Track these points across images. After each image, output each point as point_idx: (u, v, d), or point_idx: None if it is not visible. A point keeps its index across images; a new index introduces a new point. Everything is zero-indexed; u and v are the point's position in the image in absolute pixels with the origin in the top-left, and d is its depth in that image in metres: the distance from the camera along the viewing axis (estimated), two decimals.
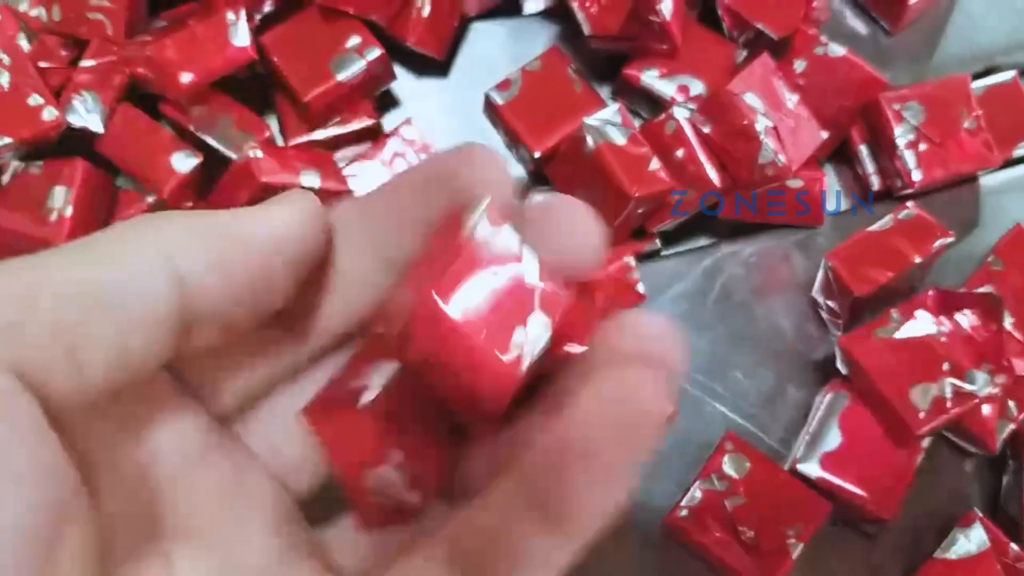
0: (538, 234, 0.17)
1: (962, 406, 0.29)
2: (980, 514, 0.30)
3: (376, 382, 0.18)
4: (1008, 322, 0.32)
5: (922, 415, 0.29)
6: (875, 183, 0.36)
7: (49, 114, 0.33)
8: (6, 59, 0.33)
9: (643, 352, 0.16)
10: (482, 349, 0.15)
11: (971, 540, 0.29)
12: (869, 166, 0.36)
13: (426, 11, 0.35)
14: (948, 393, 0.30)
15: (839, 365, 0.32)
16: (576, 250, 0.18)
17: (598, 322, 0.17)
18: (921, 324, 0.30)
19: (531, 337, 0.16)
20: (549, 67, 0.36)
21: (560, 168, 0.35)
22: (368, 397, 0.18)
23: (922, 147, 0.34)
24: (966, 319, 0.31)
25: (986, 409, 0.31)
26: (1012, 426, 0.31)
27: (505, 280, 0.16)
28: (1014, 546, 0.30)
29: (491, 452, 0.18)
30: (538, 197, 0.18)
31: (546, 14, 0.39)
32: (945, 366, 0.30)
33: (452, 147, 0.18)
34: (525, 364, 0.15)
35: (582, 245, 0.18)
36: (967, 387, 0.30)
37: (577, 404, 0.15)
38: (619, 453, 0.15)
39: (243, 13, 0.34)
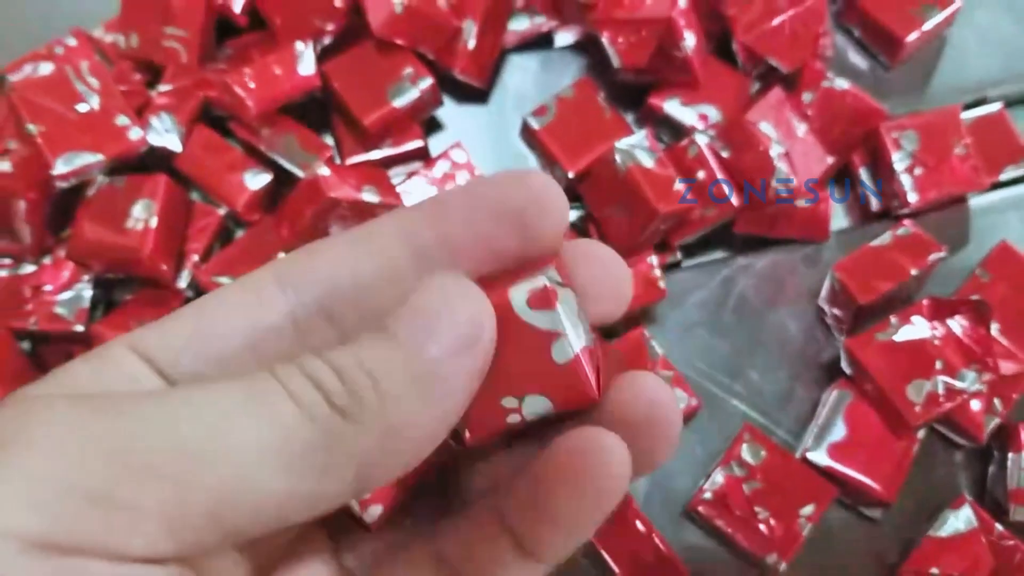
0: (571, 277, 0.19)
1: (953, 401, 0.33)
2: (969, 498, 0.34)
3: None
4: (994, 328, 0.35)
5: (917, 409, 0.33)
6: (875, 203, 0.40)
7: (135, 134, 0.36)
8: (96, 83, 0.36)
9: (650, 417, 0.18)
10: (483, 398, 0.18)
11: (960, 520, 0.33)
12: (870, 188, 0.40)
13: (471, 44, 0.39)
14: (941, 389, 0.33)
15: (843, 365, 0.35)
16: (605, 297, 0.19)
17: (613, 377, 0.19)
18: (917, 328, 0.34)
19: (526, 409, 0.18)
20: (581, 95, 0.40)
21: (592, 186, 0.38)
22: None
23: (917, 171, 0.38)
24: (957, 324, 0.34)
25: (975, 405, 0.34)
26: (998, 420, 0.34)
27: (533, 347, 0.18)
28: (999, 526, 0.33)
29: (492, 470, 0.21)
30: (575, 243, 0.20)
31: (575, 48, 0.42)
32: (938, 365, 0.33)
33: (508, 172, 0.20)
34: (508, 422, 0.18)
35: (612, 292, 0.19)
36: (958, 384, 0.33)
37: (555, 448, 0.18)
38: (580, 504, 0.18)
39: (311, 45, 0.37)
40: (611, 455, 0.18)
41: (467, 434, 0.18)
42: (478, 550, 0.20)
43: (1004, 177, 0.40)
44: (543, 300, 0.18)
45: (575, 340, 0.18)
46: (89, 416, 0.16)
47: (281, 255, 0.21)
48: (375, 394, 0.17)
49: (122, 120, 0.36)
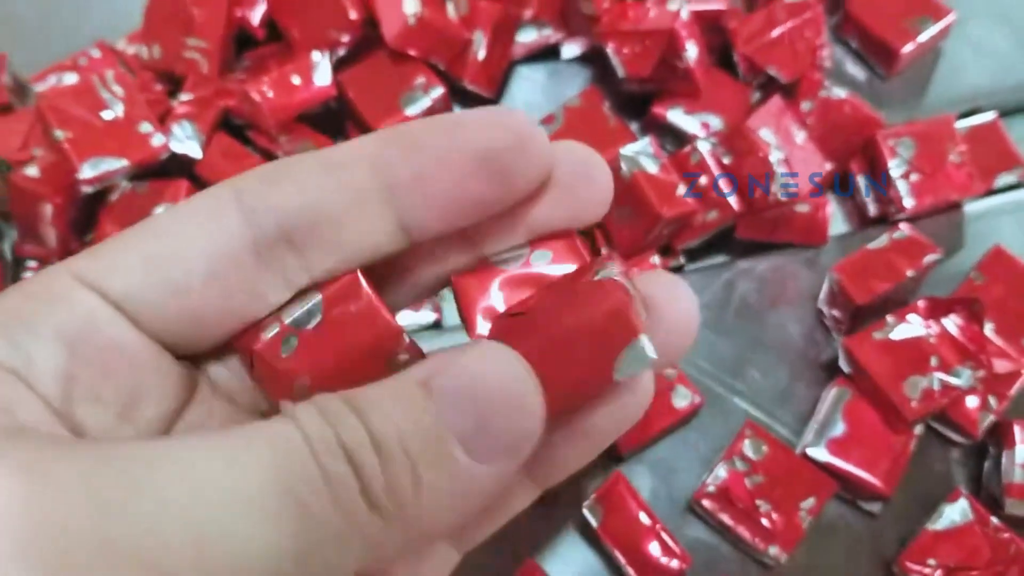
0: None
1: (948, 397, 0.34)
2: (965, 492, 0.35)
3: None
4: (989, 328, 0.37)
5: (913, 404, 0.34)
6: (873, 209, 0.41)
7: (158, 140, 0.37)
8: (120, 91, 0.38)
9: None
10: None
11: (957, 513, 0.34)
12: (867, 194, 0.41)
13: (481, 55, 0.40)
14: (936, 386, 0.34)
15: (842, 364, 0.36)
16: (674, 334, 0.20)
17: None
18: (912, 327, 0.35)
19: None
20: (587, 104, 0.41)
21: None
22: None
23: (913, 177, 0.39)
24: (952, 322, 0.35)
25: (970, 403, 0.35)
26: (992, 417, 0.35)
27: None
28: (994, 519, 0.34)
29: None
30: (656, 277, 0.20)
31: (581, 59, 0.44)
32: (933, 362, 0.34)
33: (487, 109, 0.19)
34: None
35: (681, 329, 0.20)
36: (953, 381, 0.34)
37: None
38: None
39: (327, 55, 0.39)
40: None
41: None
42: None
43: (998, 184, 0.41)
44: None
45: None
46: (60, 487, 0.14)
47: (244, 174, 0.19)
48: (414, 493, 0.16)
49: (145, 127, 0.37)
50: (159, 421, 0.19)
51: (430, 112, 0.40)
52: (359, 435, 0.15)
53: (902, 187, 0.39)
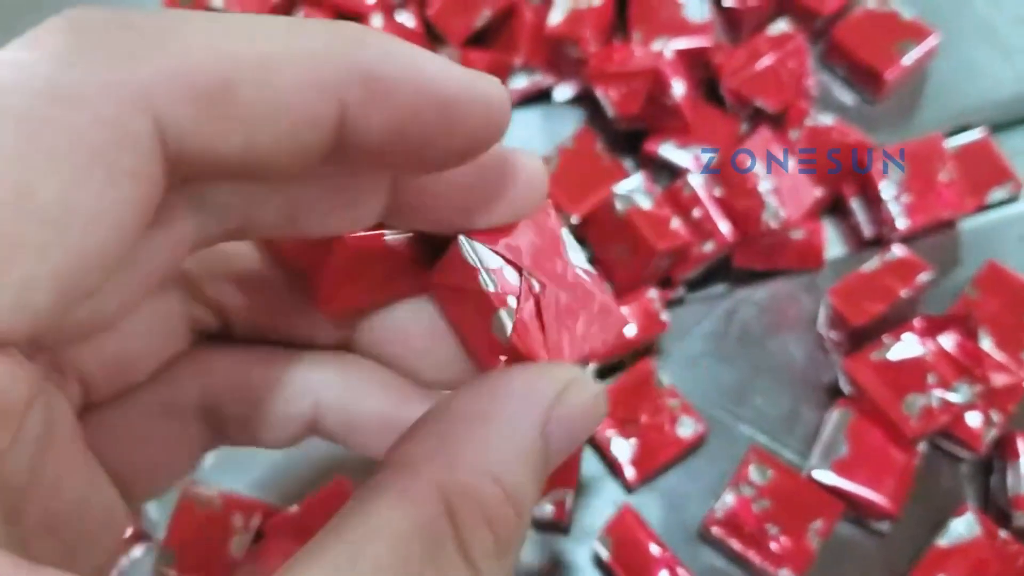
0: None
1: (948, 414, 0.35)
2: (972, 506, 0.35)
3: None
4: (987, 343, 0.37)
5: (913, 423, 0.34)
6: (867, 231, 0.42)
7: None
8: None
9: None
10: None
11: (964, 528, 0.34)
12: (861, 217, 0.42)
13: None
14: (935, 403, 0.35)
15: (842, 386, 0.37)
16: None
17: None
18: (908, 346, 0.36)
19: None
20: (581, 145, 0.42)
21: (595, 229, 0.40)
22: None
23: (905, 198, 0.40)
24: (947, 340, 0.36)
25: (972, 418, 0.36)
26: (996, 431, 0.36)
27: None
28: (1002, 532, 0.34)
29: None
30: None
31: (574, 101, 0.45)
32: (931, 379, 0.35)
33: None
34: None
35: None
36: (951, 397, 0.35)
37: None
38: None
39: None
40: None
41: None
42: None
43: (991, 199, 0.42)
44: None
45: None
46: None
47: None
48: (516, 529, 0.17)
49: None
50: None
51: None
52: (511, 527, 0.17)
53: (894, 208, 0.40)
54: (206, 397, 0.21)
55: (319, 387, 0.21)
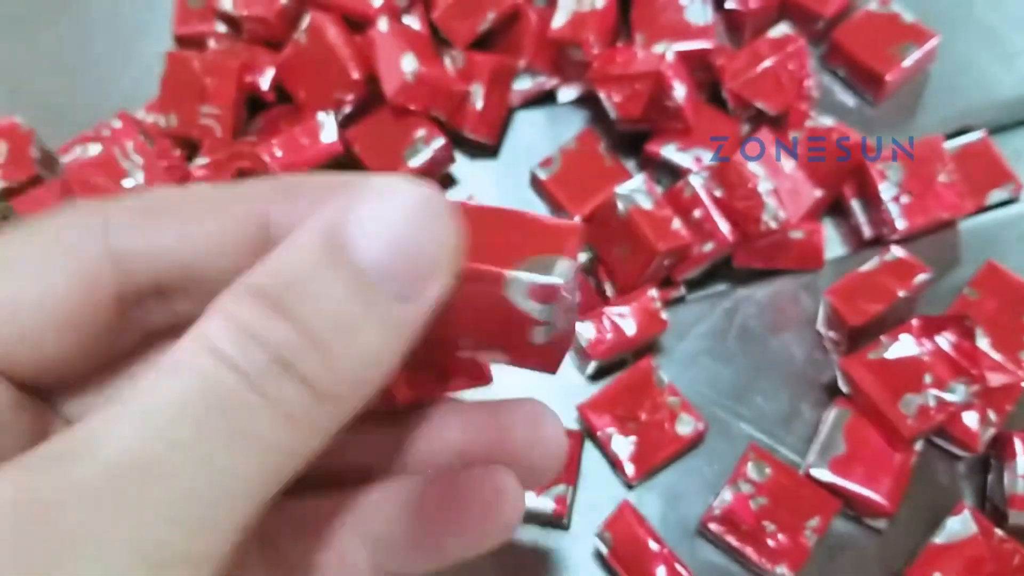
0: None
1: (944, 413, 0.35)
2: (969, 504, 0.35)
3: None
4: (985, 342, 0.37)
5: (910, 421, 0.35)
6: (867, 232, 0.42)
7: None
8: (139, 160, 0.40)
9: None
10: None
11: (960, 526, 0.34)
12: (861, 218, 0.42)
13: (479, 106, 0.42)
14: (931, 403, 0.35)
15: (841, 385, 0.37)
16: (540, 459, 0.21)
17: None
18: (906, 346, 0.36)
19: (483, 356, 0.19)
20: (584, 146, 0.43)
21: (596, 229, 0.41)
22: None
23: (904, 199, 0.40)
24: (944, 339, 0.36)
25: (968, 417, 0.36)
26: (992, 430, 0.36)
27: None
28: (998, 531, 0.35)
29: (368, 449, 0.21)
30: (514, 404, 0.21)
31: (578, 102, 0.45)
32: (927, 379, 0.35)
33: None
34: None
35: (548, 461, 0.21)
36: (948, 397, 0.35)
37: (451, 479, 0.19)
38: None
39: (332, 115, 0.41)
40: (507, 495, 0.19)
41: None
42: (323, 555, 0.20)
43: (990, 200, 0.42)
44: (546, 295, 0.17)
45: (556, 326, 0.18)
46: None
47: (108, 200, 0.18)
48: (344, 347, 0.15)
49: None
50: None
51: (432, 162, 0.42)
52: (293, 340, 0.15)
53: (893, 209, 0.40)
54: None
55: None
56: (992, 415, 0.36)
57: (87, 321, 0.17)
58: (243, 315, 0.15)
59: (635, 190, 0.39)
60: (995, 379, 0.36)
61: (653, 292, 0.39)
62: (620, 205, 0.39)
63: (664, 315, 0.39)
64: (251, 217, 0.17)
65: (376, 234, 0.15)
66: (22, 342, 0.17)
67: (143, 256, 0.17)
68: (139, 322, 0.18)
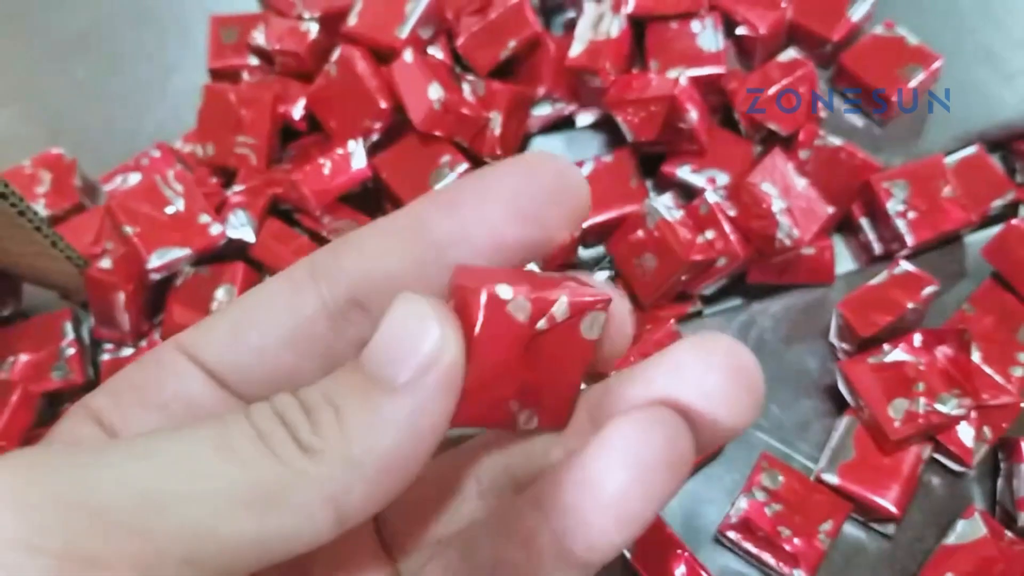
0: None
1: (931, 419, 0.36)
2: (979, 508, 0.37)
3: None
4: (978, 357, 0.39)
5: (896, 424, 0.36)
6: (877, 248, 0.43)
7: (215, 229, 0.41)
8: (180, 187, 0.42)
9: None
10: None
11: (971, 528, 0.36)
12: (870, 234, 0.44)
13: (497, 131, 0.44)
14: (921, 409, 0.36)
15: (840, 387, 0.39)
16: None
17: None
18: (904, 354, 0.37)
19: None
20: (618, 161, 0.44)
21: (620, 241, 0.42)
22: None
23: (911, 215, 0.42)
24: (941, 352, 0.38)
25: (963, 432, 0.37)
26: (986, 447, 0.38)
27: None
28: (1009, 533, 0.36)
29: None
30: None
31: (595, 126, 0.47)
32: (920, 387, 0.37)
33: (522, 158, 0.20)
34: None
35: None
36: (938, 407, 0.36)
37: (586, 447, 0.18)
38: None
39: (361, 142, 0.43)
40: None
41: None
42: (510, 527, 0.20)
43: (993, 211, 0.44)
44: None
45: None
46: (46, 470, 0.15)
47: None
48: (337, 426, 0.17)
49: (204, 218, 0.42)
50: None
51: None
52: (288, 399, 0.18)
53: (901, 225, 0.42)
54: None
55: None
56: (987, 432, 0.38)
57: (304, 335, 0.20)
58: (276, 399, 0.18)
59: (663, 204, 0.41)
60: (992, 396, 0.38)
61: (673, 324, 0.40)
62: (649, 216, 0.41)
63: (679, 330, 0.40)
64: (415, 228, 0.20)
65: (376, 348, 0.18)
66: (254, 356, 0.20)
67: (338, 276, 0.20)
68: (349, 337, 0.21)
